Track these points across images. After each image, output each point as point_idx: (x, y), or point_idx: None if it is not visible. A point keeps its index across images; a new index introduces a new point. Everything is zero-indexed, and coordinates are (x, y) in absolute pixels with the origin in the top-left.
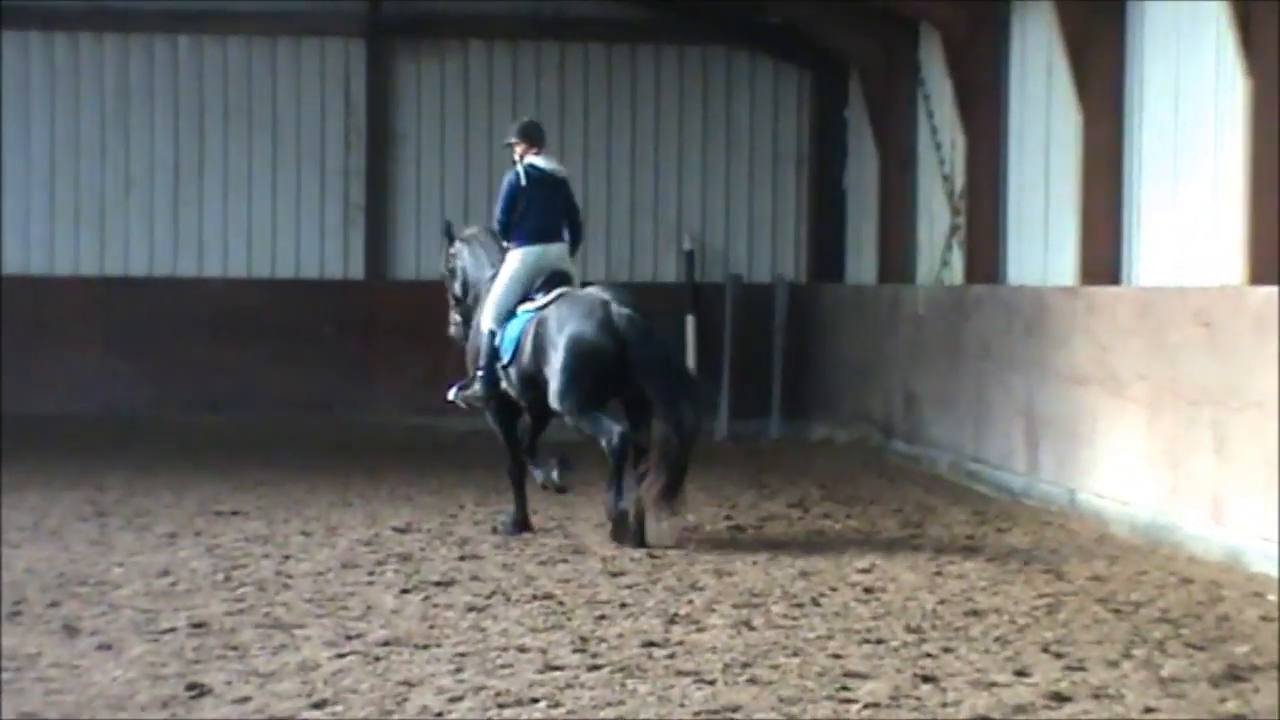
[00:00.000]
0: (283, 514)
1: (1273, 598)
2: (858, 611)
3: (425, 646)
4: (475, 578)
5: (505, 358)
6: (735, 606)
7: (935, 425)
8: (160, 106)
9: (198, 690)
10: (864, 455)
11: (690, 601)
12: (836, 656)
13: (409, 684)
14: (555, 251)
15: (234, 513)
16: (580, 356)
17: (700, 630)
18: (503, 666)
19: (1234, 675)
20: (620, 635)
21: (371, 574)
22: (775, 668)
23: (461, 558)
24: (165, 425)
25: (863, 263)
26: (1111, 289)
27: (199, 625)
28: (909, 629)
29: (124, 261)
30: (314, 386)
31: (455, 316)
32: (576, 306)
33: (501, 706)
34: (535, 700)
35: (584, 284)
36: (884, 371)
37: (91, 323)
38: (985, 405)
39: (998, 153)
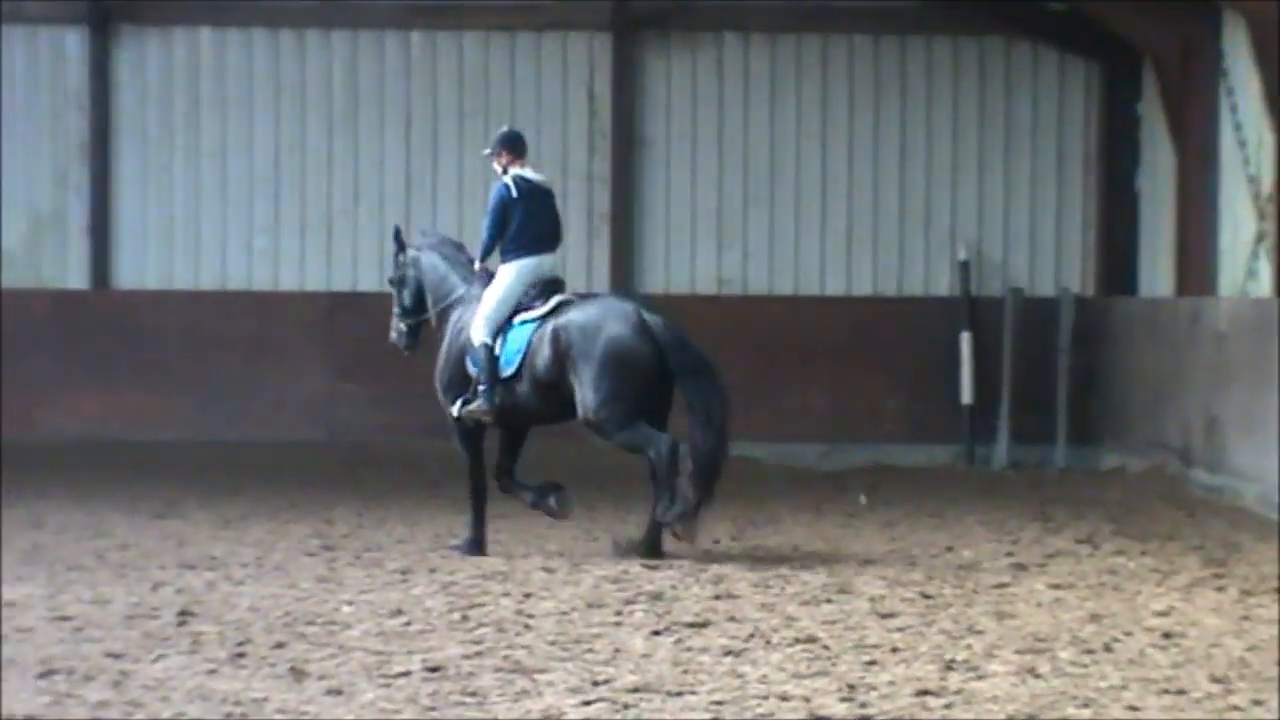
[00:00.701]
0: (522, 549)
1: None
2: (1155, 659)
3: (678, 693)
4: (731, 618)
5: (509, 369)
6: (1018, 652)
7: (1240, 452)
8: (391, 108)
9: None
10: (1160, 485)
11: (968, 646)
12: (1132, 709)
13: None
14: (549, 263)
15: None
16: (624, 365)
17: (980, 678)
18: (763, 715)
19: None
20: (891, 682)
21: (619, 614)
22: None
23: (716, 596)
24: (395, 453)
25: (1158, 273)
26: None
27: (434, 669)
28: (1213, 679)
29: (352, 276)
30: None
31: (401, 325)
32: (607, 313)
33: None
34: None
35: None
36: (1182, 393)
37: (317, 342)
38: None
39: None
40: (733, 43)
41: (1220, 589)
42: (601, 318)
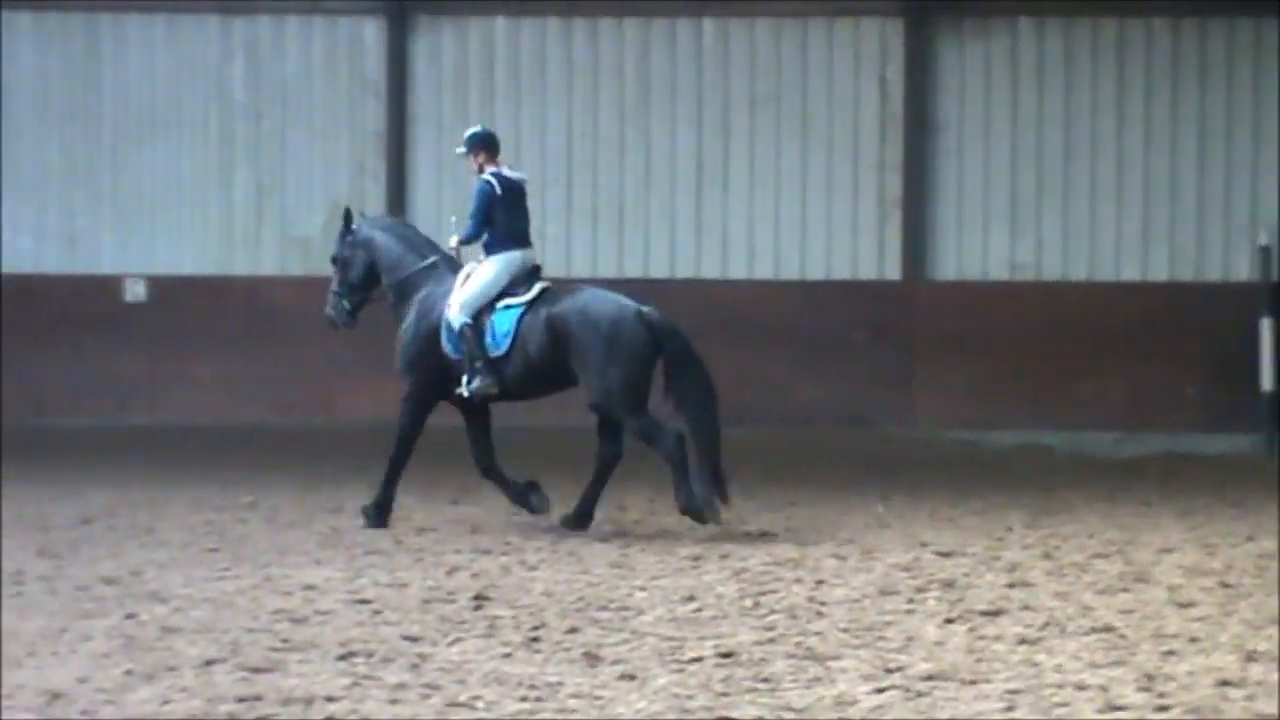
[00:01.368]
0: (814, 535)
1: None
2: None
3: (973, 682)
4: (1026, 607)
5: (499, 350)
6: None
7: None
8: (682, 96)
9: None
10: None
11: (1270, 637)
12: None
13: None
14: (530, 255)
15: (762, 534)
16: (631, 352)
17: None
18: (1059, 705)
19: None
20: (1190, 673)
21: (911, 602)
22: None
23: (1010, 585)
24: None
25: None
26: None
27: (727, 655)
28: None
29: (644, 263)
30: (844, 398)
31: (345, 303)
32: (605, 301)
33: None
34: None
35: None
36: None
37: None
38: None
39: None
40: (1026, 27)
41: None
42: (601, 306)
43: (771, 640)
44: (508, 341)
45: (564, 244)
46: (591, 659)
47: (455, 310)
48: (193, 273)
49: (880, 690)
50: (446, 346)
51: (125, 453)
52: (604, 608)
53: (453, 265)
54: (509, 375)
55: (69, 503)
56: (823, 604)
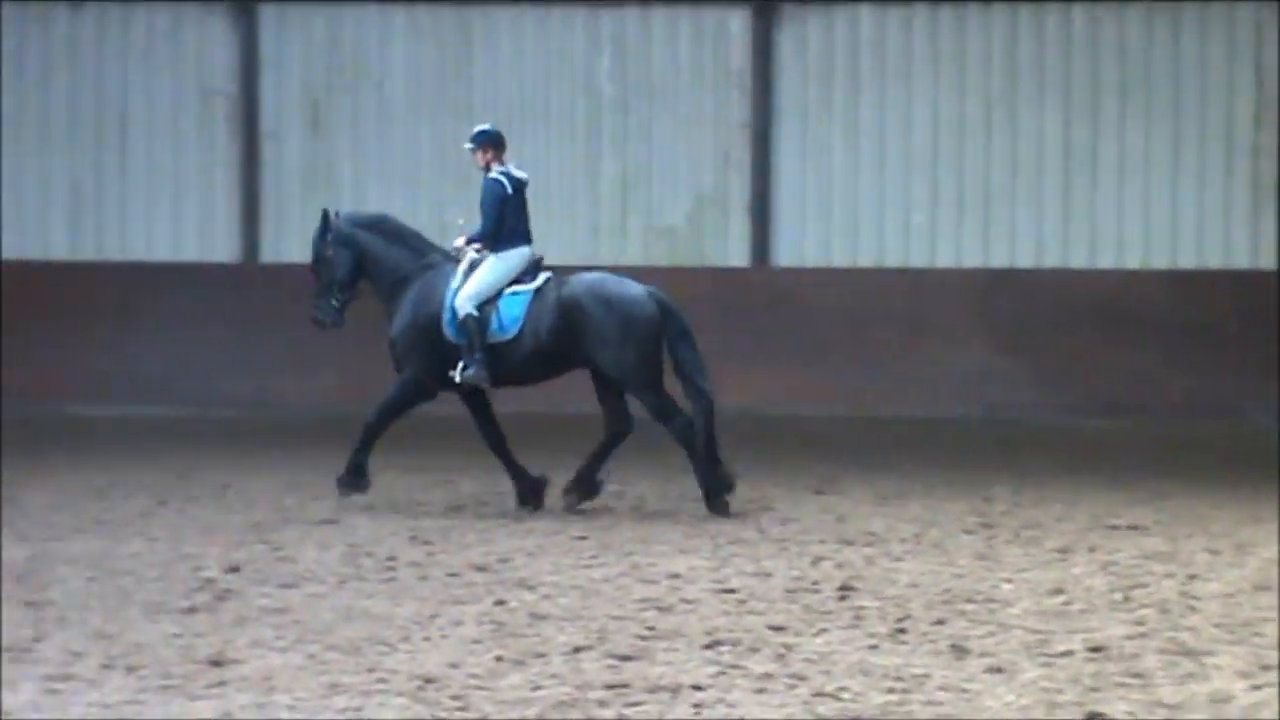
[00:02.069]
0: (1185, 529)
1: None
2: None
3: None
4: None
5: (508, 334)
6: None
7: None
8: (1050, 83)
9: None
10: None
11: None
12: None
13: None
14: (532, 250)
15: (1131, 527)
16: (648, 330)
17: None
18: None
19: None
20: None
21: None
22: None
23: None
24: (1052, 429)
25: None
26: None
27: (1097, 649)
28: None
29: (1010, 252)
30: (1216, 389)
31: (333, 303)
32: (616, 283)
33: None
34: None
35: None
36: None
37: (973, 319)
38: None
39: None
40: None
41: None
42: (614, 287)
43: (1143, 635)
44: (516, 326)
45: (929, 234)
46: (958, 651)
47: (464, 299)
48: (558, 263)
49: (1256, 688)
50: (448, 331)
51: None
52: (970, 600)
53: (449, 259)
54: (516, 358)
55: (440, 491)
56: (1195, 599)
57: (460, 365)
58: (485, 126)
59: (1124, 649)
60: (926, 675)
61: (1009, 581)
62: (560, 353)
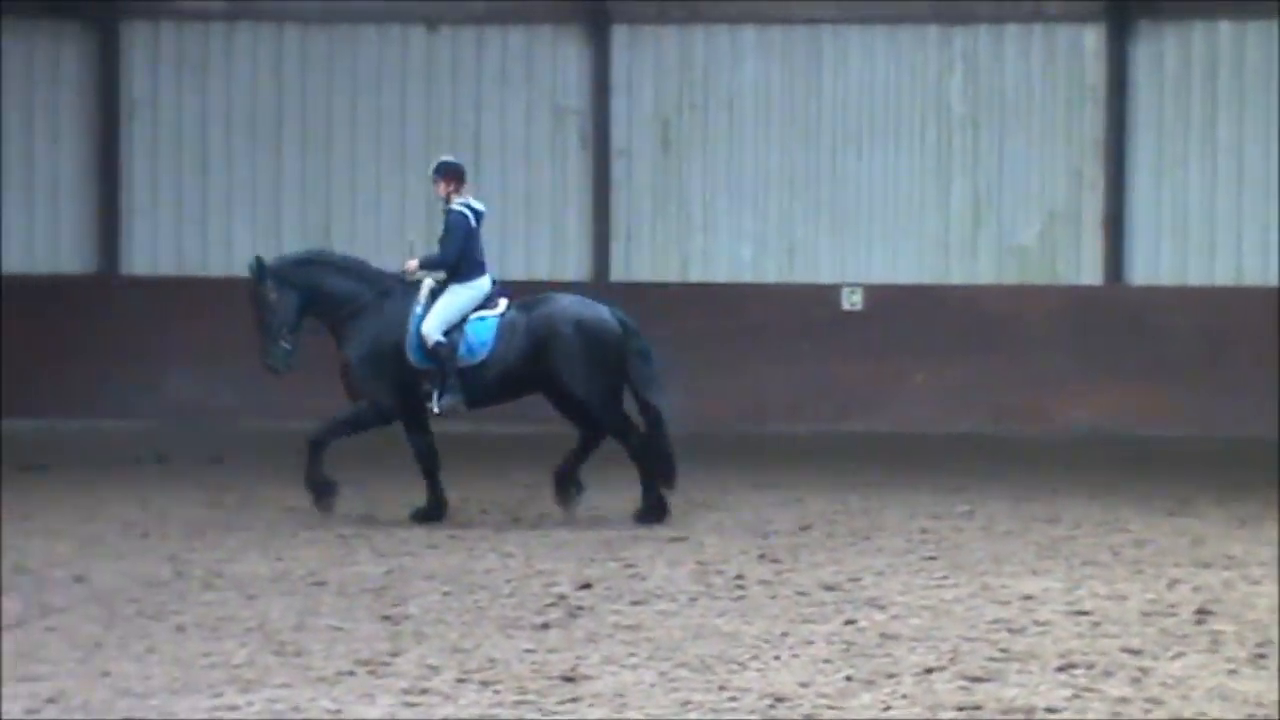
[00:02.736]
0: None
1: None
2: None
3: None
4: None
5: (478, 357)
6: None
7: None
8: None
9: None
10: None
11: None
12: None
13: None
14: (491, 277)
15: None
16: (611, 351)
17: None
18: None
19: None
20: None
21: None
22: None
23: None
24: None
25: None
26: None
27: None
28: None
29: None
30: None
31: (284, 345)
32: (586, 308)
33: None
34: None
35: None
36: None
37: None
38: None
39: None
40: None
41: None
42: (583, 310)
43: None
44: (485, 350)
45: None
46: None
47: (430, 327)
48: (908, 281)
49: None
50: (413, 356)
51: (843, 459)
52: None
53: (403, 286)
54: (484, 381)
55: (789, 509)
56: None
57: (436, 394)
58: (447, 158)
59: None
60: None
61: None
62: (527, 375)
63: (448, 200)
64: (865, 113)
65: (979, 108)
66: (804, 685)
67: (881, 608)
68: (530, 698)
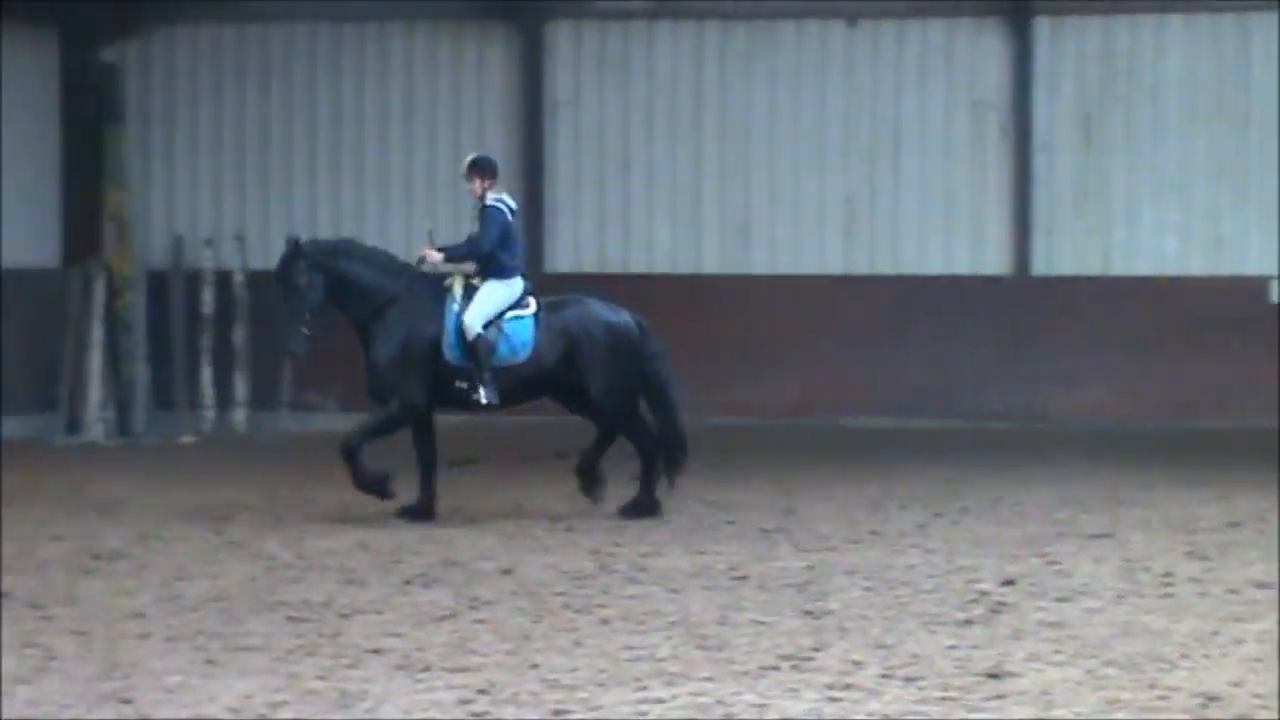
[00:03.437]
0: None
1: None
2: None
3: None
4: None
5: (519, 357)
6: None
7: None
8: None
9: None
10: None
11: None
12: None
13: None
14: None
15: None
16: (632, 356)
17: None
18: None
19: None
20: None
21: None
22: None
23: None
24: None
25: None
26: None
27: None
28: None
29: None
30: None
31: (304, 331)
32: (611, 313)
33: None
34: None
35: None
36: None
37: None
38: None
39: None
40: None
41: None
42: (610, 315)
43: None
44: (527, 350)
45: None
46: None
47: (473, 319)
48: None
49: None
50: (451, 354)
51: (1273, 457)
52: None
53: (427, 280)
54: (522, 379)
55: (1217, 506)
56: None
57: (482, 389)
58: (478, 154)
59: None
60: None
61: None
62: (558, 375)
63: (482, 197)
64: None
65: None
66: (1236, 685)
67: None
68: (954, 694)
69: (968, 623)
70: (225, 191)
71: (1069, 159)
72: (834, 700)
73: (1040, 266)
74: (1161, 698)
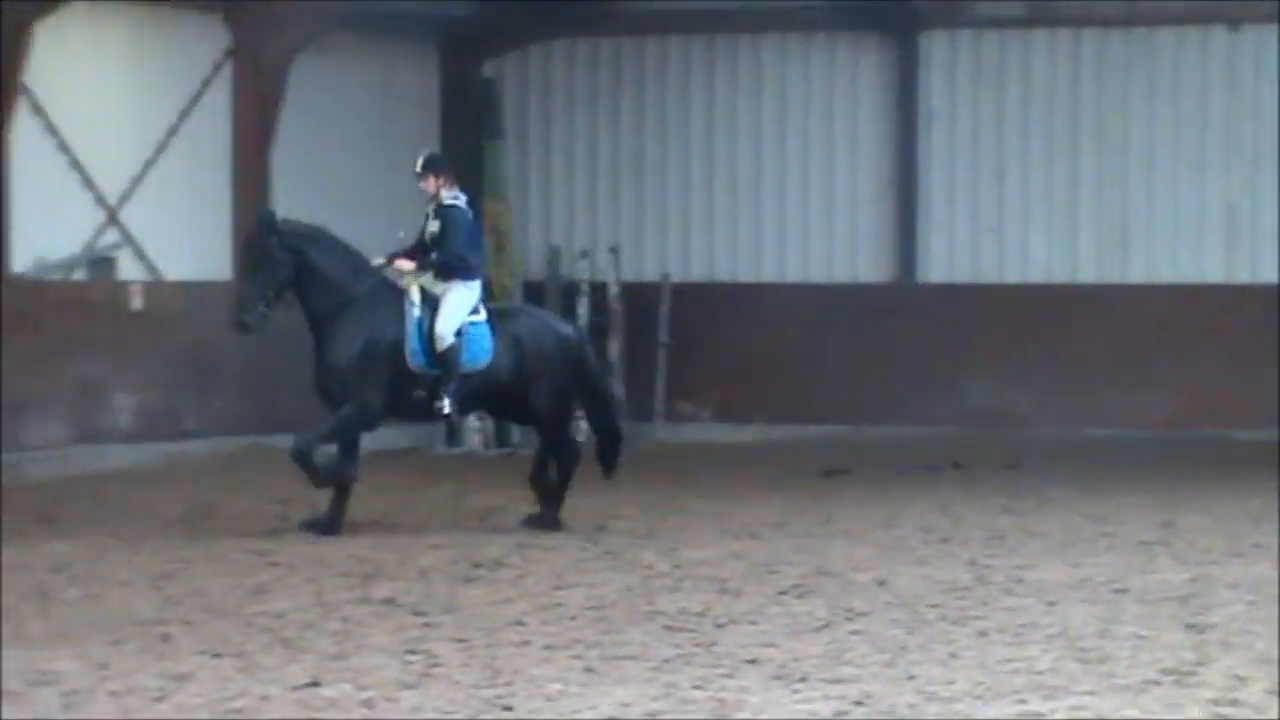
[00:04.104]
0: None
1: None
2: None
3: None
4: None
5: (480, 363)
6: None
7: None
8: None
9: None
10: None
11: None
12: None
13: None
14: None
15: None
16: (574, 370)
17: None
18: None
19: None
20: None
21: None
22: None
23: None
24: None
25: None
26: None
27: None
28: None
29: None
30: None
31: (263, 309)
32: (556, 323)
33: None
34: None
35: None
36: None
37: None
38: None
39: None
40: None
41: None
42: (556, 325)
43: None
44: (488, 356)
45: None
46: None
47: (445, 327)
48: None
49: None
50: (416, 361)
51: None
52: None
53: (388, 283)
54: (480, 387)
55: None
56: None
57: (444, 396)
58: (431, 152)
59: None
60: None
61: None
62: (510, 384)
63: (437, 196)
64: None
65: None
66: None
67: None
68: None
69: None
70: (600, 204)
71: None
72: (1219, 716)
73: None
74: None
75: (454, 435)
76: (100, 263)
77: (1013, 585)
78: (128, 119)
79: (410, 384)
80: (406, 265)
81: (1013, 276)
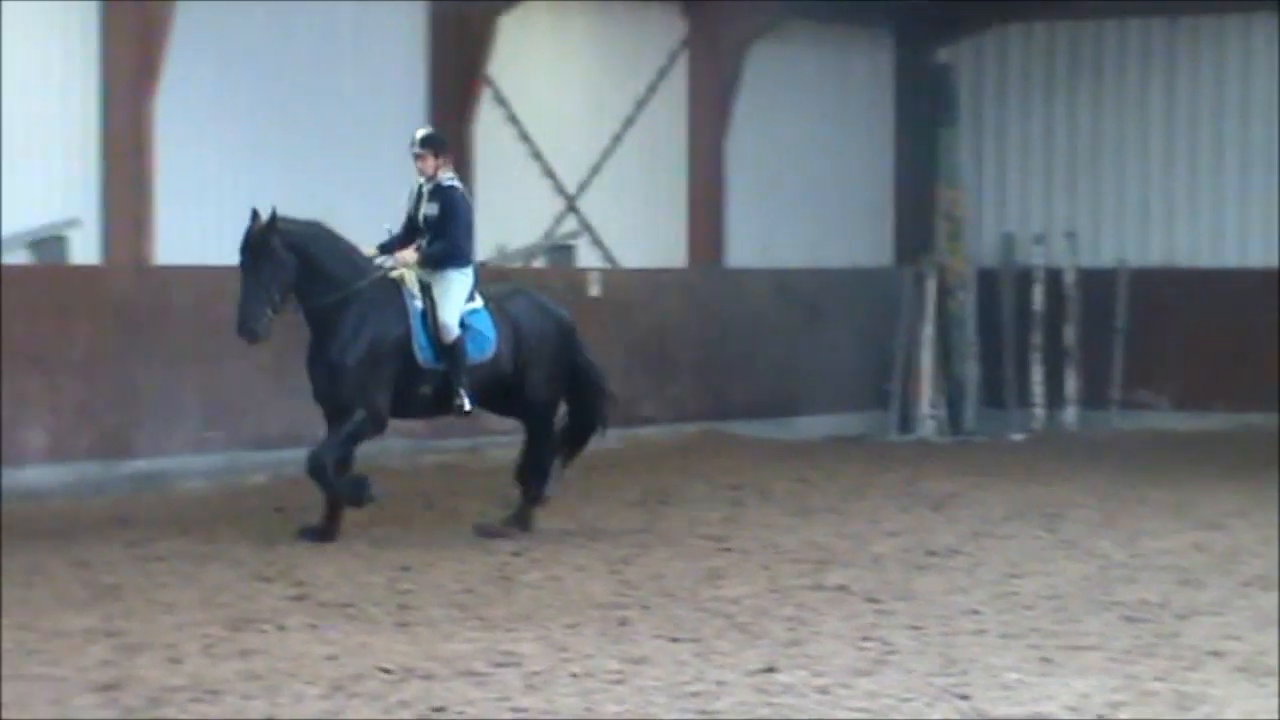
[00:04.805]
0: None
1: None
2: None
3: None
4: None
5: (485, 354)
6: None
7: None
8: None
9: None
10: None
11: None
12: None
13: None
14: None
15: None
16: (566, 355)
17: None
18: None
19: None
20: None
21: None
22: None
23: None
24: None
25: None
26: None
27: None
28: None
29: None
30: None
31: (269, 313)
32: (551, 308)
33: None
34: None
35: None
36: None
37: None
38: None
39: None
40: None
41: None
42: (551, 310)
43: None
44: (492, 346)
45: None
46: None
47: (451, 318)
48: None
49: None
50: (423, 356)
51: None
52: None
53: (390, 280)
54: (490, 378)
55: None
56: None
57: (464, 394)
58: (427, 130)
59: None
60: None
61: None
62: (511, 373)
63: (434, 176)
64: None
65: None
66: None
67: None
68: None
69: None
70: (1055, 189)
71: None
72: None
73: None
74: None
75: (907, 422)
76: (559, 250)
77: None
78: (586, 109)
79: (418, 381)
80: (410, 256)
81: None
